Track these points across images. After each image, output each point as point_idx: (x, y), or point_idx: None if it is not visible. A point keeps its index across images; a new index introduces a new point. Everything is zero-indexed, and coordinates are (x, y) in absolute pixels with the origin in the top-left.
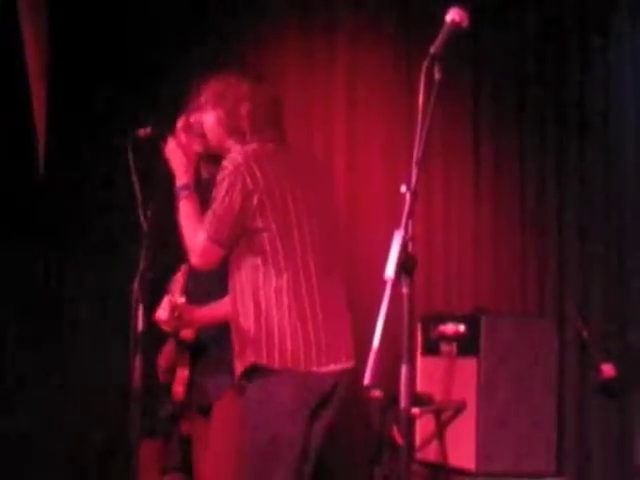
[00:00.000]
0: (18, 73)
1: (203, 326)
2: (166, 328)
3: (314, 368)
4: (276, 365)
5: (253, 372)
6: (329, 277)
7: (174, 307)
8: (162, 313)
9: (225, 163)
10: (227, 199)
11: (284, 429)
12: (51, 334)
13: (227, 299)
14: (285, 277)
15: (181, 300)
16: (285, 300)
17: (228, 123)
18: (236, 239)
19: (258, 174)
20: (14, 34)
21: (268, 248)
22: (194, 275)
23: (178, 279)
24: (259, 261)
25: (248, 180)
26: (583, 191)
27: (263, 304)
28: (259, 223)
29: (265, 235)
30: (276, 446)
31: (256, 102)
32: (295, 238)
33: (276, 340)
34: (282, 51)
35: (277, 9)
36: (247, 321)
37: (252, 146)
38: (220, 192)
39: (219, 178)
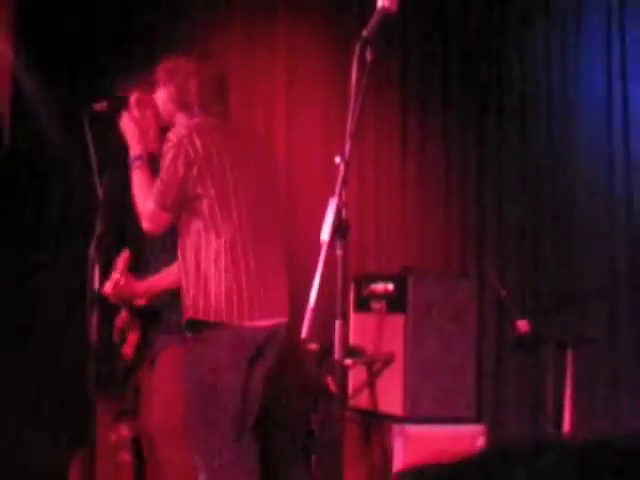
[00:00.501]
0: None
1: (151, 295)
2: (112, 301)
3: (246, 322)
4: (211, 318)
5: (192, 325)
6: (266, 239)
7: (115, 285)
8: (108, 287)
9: (170, 136)
10: (171, 168)
11: (223, 378)
12: (14, 294)
13: (171, 268)
14: (223, 239)
15: (120, 280)
16: (222, 261)
17: (178, 98)
18: (180, 204)
19: (199, 145)
20: None
21: (207, 213)
22: (151, 244)
23: (120, 261)
24: (201, 225)
25: (190, 151)
26: (501, 163)
27: (203, 264)
28: (199, 190)
29: (205, 201)
30: (217, 394)
31: (203, 78)
32: (232, 203)
33: (212, 297)
34: (227, 34)
35: None
36: (190, 279)
37: (196, 120)
38: (165, 162)
39: (164, 149)
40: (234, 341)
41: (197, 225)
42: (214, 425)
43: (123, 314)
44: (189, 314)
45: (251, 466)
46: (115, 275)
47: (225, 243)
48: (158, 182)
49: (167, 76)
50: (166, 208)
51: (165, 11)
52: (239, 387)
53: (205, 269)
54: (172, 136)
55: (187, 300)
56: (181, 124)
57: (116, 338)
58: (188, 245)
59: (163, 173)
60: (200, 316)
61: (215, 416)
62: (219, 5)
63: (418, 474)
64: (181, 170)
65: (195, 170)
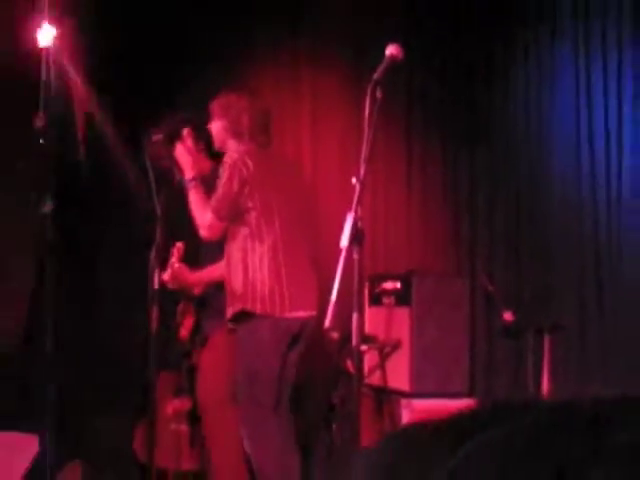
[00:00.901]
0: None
1: (205, 284)
2: (170, 287)
3: (285, 314)
4: (258, 311)
5: (241, 316)
6: (299, 246)
7: (171, 268)
8: (165, 275)
9: (226, 159)
10: (227, 185)
11: (266, 361)
12: (88, 295)
13: (221, 263)
14: (266, 245)
15: (174, 264)
16: (265, 263)
17: (232, 129)
18: (234, 215)
19: (250, 166)
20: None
21: (254, 223)
22: (206, 247)
23: (175, 250)
24: (247, 232)
25: (244, 171)
26: (489, 182)
27: (250, 266)
28: (249, 204)
29: (252, 213)
30: (261, 374)
31: (254, 112)
32: (274, 215)
33: (258, 293)
34: (259, 81)
35: (252, 49)
36: (237, 278)
37: (245, 147)
38: (222, 180)
39: (221, 170)
40: (275, 329)
41: (244, 233)
42: (258, 401)
43: (182, 303)
44: (239, 307)
45: (287, 431)
46: (171, 260)
47: (268, 249)
48: (215, 197)
49: (221, 110)
50: (222, 218)
51: (207, 62)
52: (278, 369)
53: (252, 270)
54: (227, 159)
55: (235, 296)
56: (232, 150)
57: (179, 319)
58: (235, 250)
59: (220, 189)
60: (249, 308)
61: (258, 393)
62: (253, 57)
63: (420, 426)
64: (236, 187)
65: (247, 187)
